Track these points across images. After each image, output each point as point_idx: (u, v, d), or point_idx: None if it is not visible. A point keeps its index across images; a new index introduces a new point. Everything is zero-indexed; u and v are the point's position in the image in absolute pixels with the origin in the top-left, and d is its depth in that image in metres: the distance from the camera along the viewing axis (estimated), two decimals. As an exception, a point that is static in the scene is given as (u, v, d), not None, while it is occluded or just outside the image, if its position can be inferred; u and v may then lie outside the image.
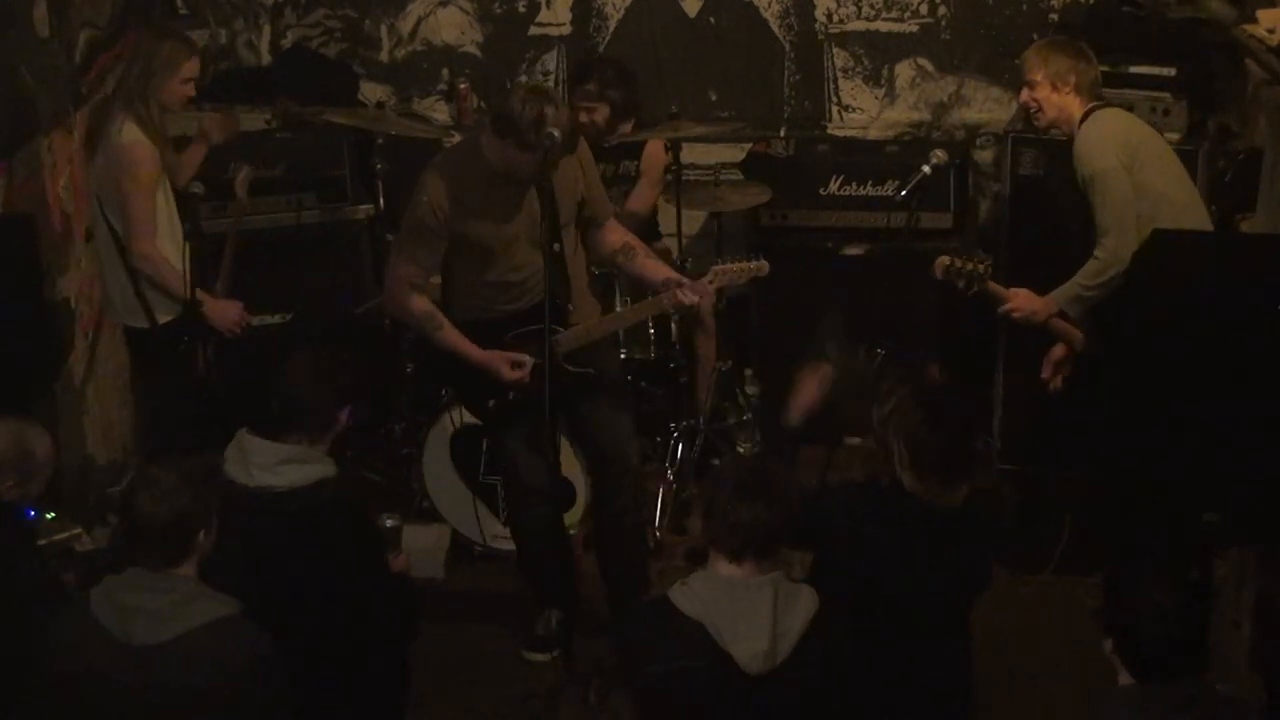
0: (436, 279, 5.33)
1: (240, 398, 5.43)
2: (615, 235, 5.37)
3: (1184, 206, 5.34)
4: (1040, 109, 5.43)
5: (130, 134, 5.39)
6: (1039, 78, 5.40)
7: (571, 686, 4.95)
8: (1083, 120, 5.38)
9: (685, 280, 5.21)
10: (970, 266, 5.41)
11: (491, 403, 5.23)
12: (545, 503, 5.18)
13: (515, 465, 5.32)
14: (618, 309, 5.91)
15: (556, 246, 5.04)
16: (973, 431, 4.07)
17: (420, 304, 5.17)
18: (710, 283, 5.24)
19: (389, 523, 4.56)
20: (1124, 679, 3.59)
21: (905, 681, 4.06)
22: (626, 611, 4.95)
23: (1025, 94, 5.46)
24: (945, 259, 5.44)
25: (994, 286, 5.48)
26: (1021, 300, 5.51)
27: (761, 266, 5.28)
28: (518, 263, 5.11)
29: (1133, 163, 5.28)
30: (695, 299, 5.21)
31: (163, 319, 5.55)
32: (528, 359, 5.11)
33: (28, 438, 4.36)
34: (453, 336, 5.16)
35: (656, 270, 5.34)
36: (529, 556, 5.51)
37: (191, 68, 5.54)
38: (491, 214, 5.05)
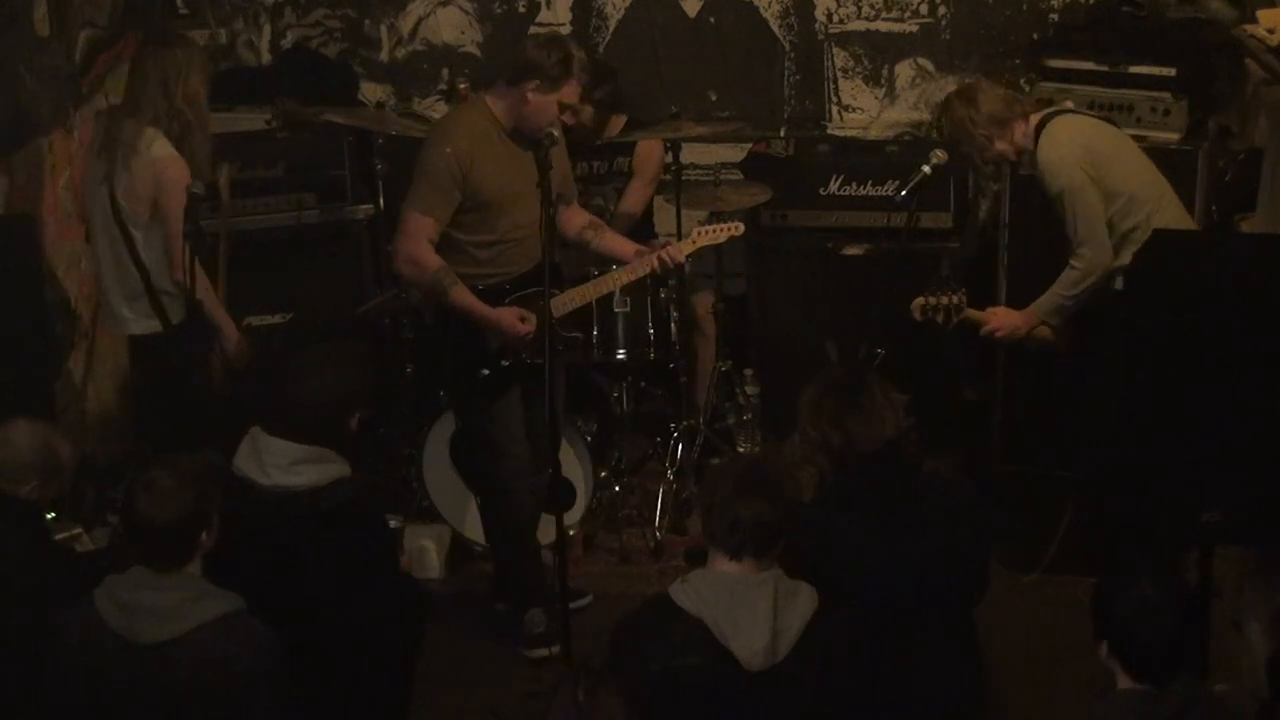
0: None
1: (244, 398, 5.43)
2: (580, 215, 5.54)
3: (1155, 202, 5.37)
4: (1012, 155, 5.50)
5: (162, 149, 5.24)
6: (980, 141, 5.47)
7: (562, 686, 4.94)
8: (1038, 132, 5.41)
9: (669, 241, 5.48)
10: (946, 300, 5.47)
11: (486, 371, 5.26)
12: (530, 487, 5.26)
13: (503, 447, 5.33)
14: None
15: (552, 210, 5.02)
16: (862, 380, 4.22)
17: (436, 259, 5.17)
18: (694, 240, 5.52)
19: (390, 524, 4.56)
20: (1123, 682, 3.59)
21: (906, 675, 4.06)
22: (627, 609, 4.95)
23: (1000, 155, 5.53)
24: (920, 300, 5.50)
25: (972, 313, 5.56)
26: (1001, 319, 5.60)
27: (738, 226, 5.63)
28: (520, 220, 5.18)
29: (1097, 170, 5.33)
30: (681, 258, 5.45)
31: (176, 319, 5.40)
32: (531, 314, 5.20)
33: (54, 442, 4.40)
34: (464, 294, 5.19)
35: (625, 246, 5.51)
36: (513, 547, 5.49)
37: (204, 67, 5.43)
38: (500, 169, 5.15)
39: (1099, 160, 5.34)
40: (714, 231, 5.59)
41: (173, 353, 5.37)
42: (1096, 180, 5.32)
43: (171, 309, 5.37)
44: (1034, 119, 5.46)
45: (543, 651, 5.35)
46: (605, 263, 5.75)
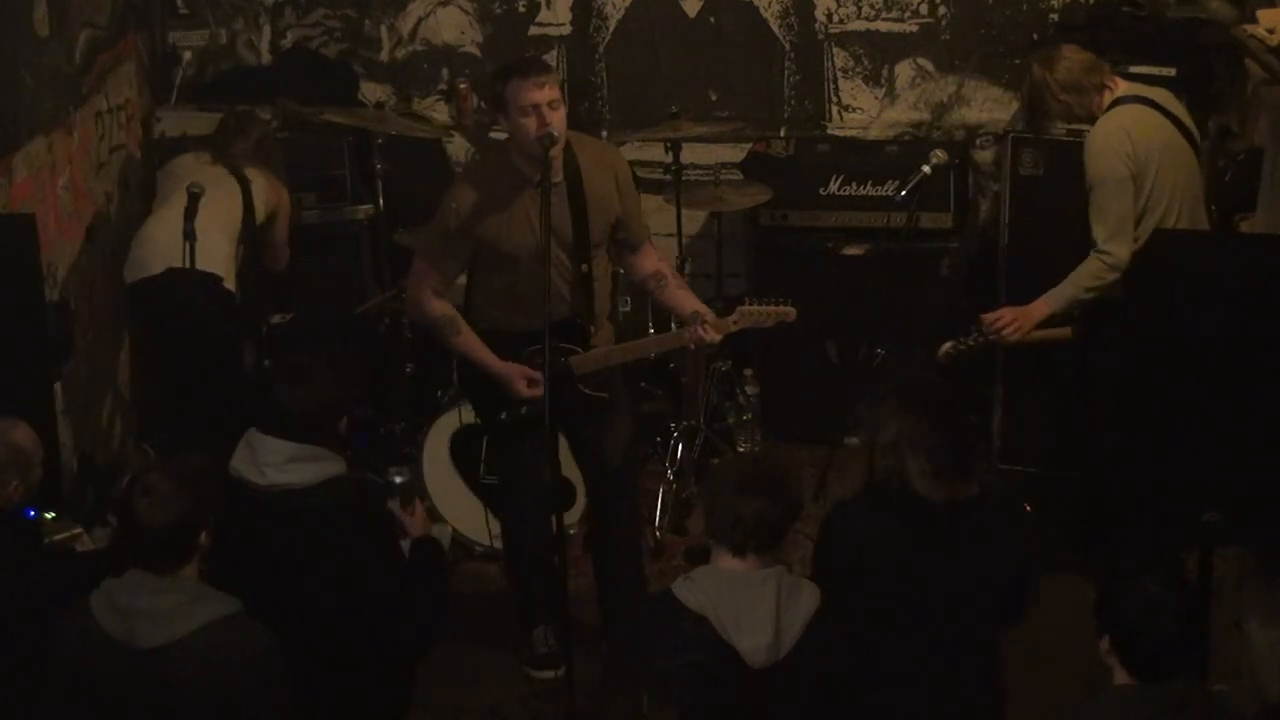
0: (461, 280, 5.28)
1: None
2: (649, 262, 5.25)
3: (1184, 209, 5.36)
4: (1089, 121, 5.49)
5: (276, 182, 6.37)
6: (1058, 108, 5.46)
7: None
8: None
9: (711, 317, 5.10)
10: (972, 343, 5.48)
11: (504, 415, 5.16)
12: (545, 521, 5.15)
13: (518, 485, 5.26)
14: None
15: (585, 267, 4.99)
16: (966, 417, 4.13)
17: (439, 308, 5.10)
18: (735, 323, 5.15)
19: (398, 479, 4.47)
20: (1120, 678, 3.59)
21: (927, 689, 4.04)
22: (630, 607, 4.94)
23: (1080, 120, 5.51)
24: (948, 346, 5.49)
25: (985, 322, 5.53)
26: (1009, 315, 5.50)
27: (789, 312, 5.18)
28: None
29: (1140, 172, 5.28)
30: (718, 337, 5.13)
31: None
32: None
33: (11, 435, 4.30)
34: (471, 343, 5.09)
35: (686, 301, 5.21)
36: (524, 573, 5.44)
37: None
38: (515, 220, 4.97)
39: (1146, 163, 5.29)
40: (759, 314, 5.18)
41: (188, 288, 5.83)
42: (1136, 179, 5.28)
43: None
44: (1109, 96, 5.41)
45: (549, 674, 5.25)
46: (635, 287, 5.69)
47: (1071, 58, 5.43)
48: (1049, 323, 5.52)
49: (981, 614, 4.09)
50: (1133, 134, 5.30)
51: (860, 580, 3.98)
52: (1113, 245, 5.28)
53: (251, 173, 6.24)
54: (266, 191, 6.28)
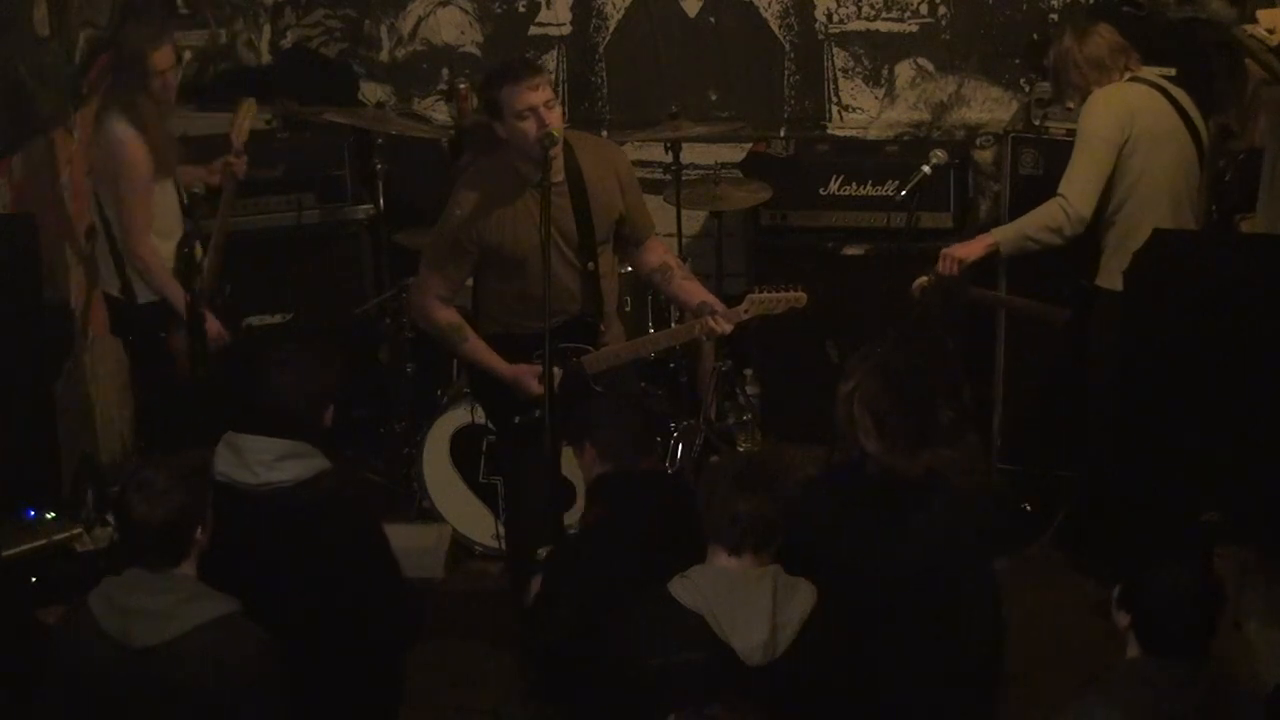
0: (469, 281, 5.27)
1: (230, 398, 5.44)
2: (654, 255, 5.24)
3: (1171, 204, 5.36)
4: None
5: (120, 131, 5.42)
6: (1077, 79, 5.54)
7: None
8: None
9: (720, 307, 5.08)
10: (935, 280, 5.50)
11: (517, 419, 5.13)
12: (551, 522, 5.15)
13: (526, 487, 5.23)
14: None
15: (590, 265, 4.99)
16: (934, 397, 4.07)
17: (446, 316, 5.09)
18: (745, 311, 5.11)
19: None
20: (1132, 652, 3.61)
21: (900, 672, 4.01)
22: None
23: None
24: (921, 280, 5.51)
25: (977, 290, 5.62)
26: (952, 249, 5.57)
27: (799, 298, 5.13)
28: (553, 271, 4.91)
29: (1128, 145, 5.33)
30: (729, 328, 5.10)
31: (143, 299, 5.61)
32: (555, 371, 4.94)
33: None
34: (479, 349, 5.08)
35: (693, 292, 5.19)
36: (528, 574, 5.44)
37: (162, 59, 5.48)
38: (519, 222, 4.96)
39: (1137, 140, 5.33)
40: (770, 301, 5.11)
41: (142, 325, 5.62)
42: (1121, 151, 5.33)
43: (139, 286, 5.63)
44: (1129, 75, 5.48)
45: None
46: (642, 280, 5.63)
47: (1105, 37, 5.52)
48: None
49: (938, 613, 3.99)
50: (1133, 108, 5.37)
51: (816, 567, 3.95)
52: (1074, 196, 5.33)
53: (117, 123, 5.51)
54: (107, 155, 5.51)
